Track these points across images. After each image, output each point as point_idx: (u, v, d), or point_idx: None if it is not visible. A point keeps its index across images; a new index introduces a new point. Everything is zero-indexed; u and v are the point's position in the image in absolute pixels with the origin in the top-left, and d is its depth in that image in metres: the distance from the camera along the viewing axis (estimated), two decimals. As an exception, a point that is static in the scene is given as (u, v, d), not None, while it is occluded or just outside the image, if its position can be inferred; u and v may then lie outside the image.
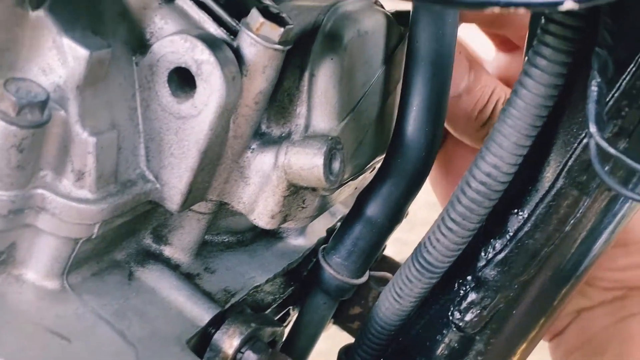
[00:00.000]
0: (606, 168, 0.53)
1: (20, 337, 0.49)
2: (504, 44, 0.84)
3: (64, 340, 0.50)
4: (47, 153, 0.48)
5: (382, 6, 0.67)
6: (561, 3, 0.34)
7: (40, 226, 0.50)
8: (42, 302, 0.52)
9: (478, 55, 0.81)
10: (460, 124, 0.75)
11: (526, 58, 0.51)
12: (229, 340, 0.57)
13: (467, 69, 0.72)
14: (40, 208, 0.49)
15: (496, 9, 0.34)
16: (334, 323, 0.81)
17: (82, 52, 0.47)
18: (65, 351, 0.49)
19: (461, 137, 0.78)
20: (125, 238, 0.58)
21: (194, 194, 0.55)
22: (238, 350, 0.57)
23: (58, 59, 0.47)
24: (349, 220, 0.67)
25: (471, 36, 0.80)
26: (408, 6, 0.65)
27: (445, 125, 0.75)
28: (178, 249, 0.62)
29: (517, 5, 0.35)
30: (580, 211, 0.55)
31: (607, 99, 0.50)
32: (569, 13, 0.48)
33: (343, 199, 0.74)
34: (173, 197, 0.54)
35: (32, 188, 0.48)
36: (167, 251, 0.61)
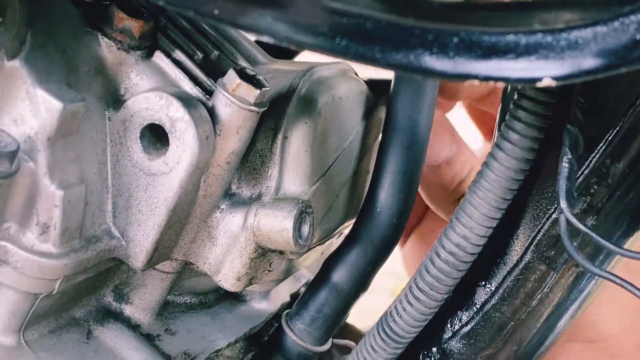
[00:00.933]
0: (575, 244, 0.53)
1: (-30, 395, 0.47)
2: (492, 132, 0.84)
3: (16, 399, 0.48)
4: (12, 205, 0.47)
5: (356, 74, 0.68)
6: (540, 79, 0.35)
7: (0, 279, 0.48)
8: (-4, 358, 0.50)
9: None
10: (436, 195, 0.75)
11: (498, 132, 0.52)
12: (187, 406, 0.55)
13: (450, 140, 0.72)
14: (1, 261, 0.47)
15: (475, 81, 0.35)
16: (294, 391, 0.79)
17: (56, 104, 0.46)
18: (17, 411, 0.47)
19: (435, 208, 0.78)
20: (86, 295, 0.57)
21: (160, 252, 0.54)
22: (196, 417, 0.55)
23: (30, 110, 0.47)
24: (314, 286, 0.67)
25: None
26: (383, 75, 0.66)
27: (421, 193, 0.75)
28: (139, 308, 0.60)
29: (496, 79, 0.35)
30: (548, 286, 0.55)
31: (577, 176, 0.51)
32: (542, 89, 0.49)
33: (308, 264, 0.73)
34: (138, 254, 0.53)
35: (-6, 240, 0.47)
36: (128, 310, 0.60)
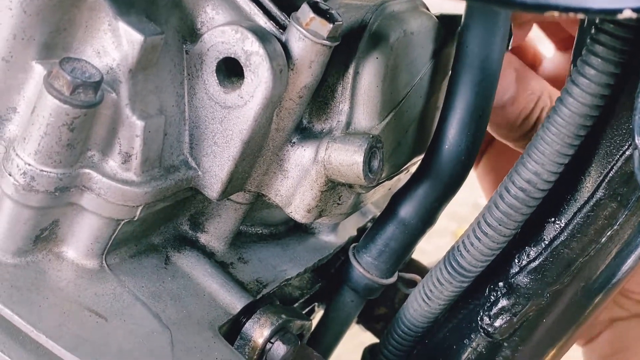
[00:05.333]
0: (648, 180, 0.53)
1: (59, 314, 0.50)
2: (563, 42, 0.84)
3: (101, 318, 0.51)
4: (96, 134, 0.49)
5: (427, 8, 0.67)
6: (620, 11, 0.35)
7: (85, 205, 0.50)
8: (81, 280, 0.52)
9: (536, 54, 0.80)
10: (503, 132, 0.76)
11: (573, 67, 0.51)
12: (259, 330, 0.58)
13: (514, 81, 0.72)
14: (85, 187, 0.50)
15: (555, 13, 0.35)
16: (358, 322, 0.81)
17: (137, 37, 0.47)
18: (102, 329, 0.50)
19: (504, 141, 0.78)
20: (164, 223, 0.59)
21: (234, 183, 0.56)
22: (268, 340, 0.58)
23: (112, 42, 0.48)
24: (381, 220, 0.68)
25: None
26: (456, 9, 0.66)
27: (489, 130, 0.75)
28: (214, 237, 0.62)
29: (576, 10, 0.35)
30: (618, 223, 0.55)
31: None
32: (620, 24, 0.48)
33: (375, 199, 0.74)
34: (213, 185, 0.55)
35: (79, 167, 0.49)
36: (203, 238, 0.62)
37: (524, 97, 0.73)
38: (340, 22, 0.53)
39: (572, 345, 0.64)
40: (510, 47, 0.68)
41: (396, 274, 0.71)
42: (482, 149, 0.86)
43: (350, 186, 0.60)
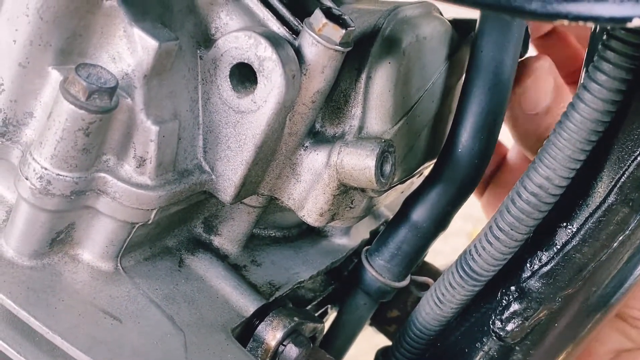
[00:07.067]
0: (660, 186, 0.53)
1: (73, 315, 0.50)
2: (570, 76, 0.82)
3: (116, 320, 0.51)
4: (111, 139, 0.49)
5: (441, 13, 0.68)
6: (630, 19, 0.35)
7: (100, 209, 0.51)
8: (96, 282, 0.53)
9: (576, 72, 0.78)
10: (529, 142, 0.74)
11: (585, 73, 0.52)
12: (272, 332, 0.58)
13: (552, 89, 0.71)
14: (101, 191, 0.50)
15: (565, 22, 0.35)
16: (371, 325, 0.82)
17: (152, 43, 0.48)
18: (116, 331, 0.51)
19: (527, 153, 0.77)
20: (178, 226, 0.60)
21: (247, 187, 0.57)
22: (280, 342, 0.58)
23: (127, 48, 0.49)
24: (394, 224, 0.68)
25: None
26: (470, 15, 0.66)
27: (513, 138, 0.75)
28: (227, 240, 0.63)
29: (585, 19, 0.35)
30: (630, 228, 0.55)
31: (665, 118, 0.50)
32: (632, 30, 0.48)
33: (388, 203, 0.75)
34: (227, 188, 0.56)
35: (94, 171, 0.50)
36: (217, 241, 0.63)
37: (558, 109, 0.71)
38: (353, 28, 0.53)
39: (583, 350, 0.64)
40: (526, 54, 0.68)
41: (408, 277, 0.71)
42: (486, 180, 0.84)
43: (363, 190, 0.60)
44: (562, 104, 0.71)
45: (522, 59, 0.69)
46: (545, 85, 0.70)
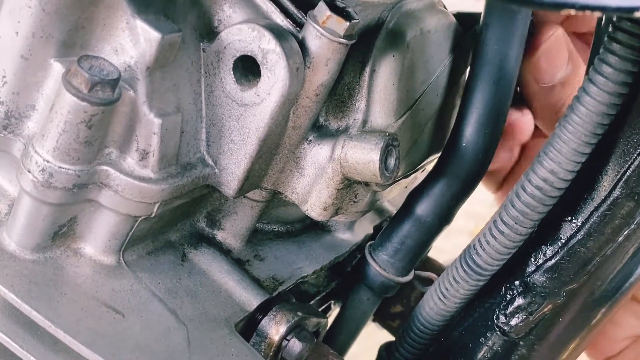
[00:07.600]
0: (666, 180, 0.52)
1: (76, 309, 0.50)
2: None
3: (118, 314, 0.51)
4: (113, 131, 0.49)
5: (445, 6, 0.67)
6: (637, 9, 0.34)
7: (102, 202, 0.51)
8: (98, 276, 0.53)
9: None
10: (546, 115, 0.72)
11: (591, 66, 0.51)
12: (275, 327, 0.58)
13: (567, 60, 0.68)
14: (103, 184, 0.50)
15: (572, 11, 0.35)
16: (374, 320, 0.81)
17: (155, 35, 0.48)
18: (119, 325, 0.51)
19: (543, 127, 0.75)
20: (181, 220, 0.60)
21: (251, 181, 0.56)
22: (284, 337, 0.58)
23: (130, 40, 0.49)
24: (398, 218, 0.68)
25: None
26: (475, 8, 0.66)
27: (530, 110, 0.73)
28: (230, 234, 0.63)
29: (592, 8, 0.35)
30: (635, 222, 0.55)
31: (671, 110, 0.50)
32: (638, 21, 0.47)
33: (392, 197, 0.74)
34: (230, 182, 0.55)
35: (97, 164, 0.49)
36: (220, 236, 0.63)
37: (575, 83, 0.68)
38: (357, 20, 0.53)
39: (588, 344, 0.63)
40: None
41: (412, 272, 0.71)
42: (504, 175, 0.83)
43: (367, 184, 0.60)
44: (578, 78, 0.69)
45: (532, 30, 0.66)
46: (560, 54, 0.68)
